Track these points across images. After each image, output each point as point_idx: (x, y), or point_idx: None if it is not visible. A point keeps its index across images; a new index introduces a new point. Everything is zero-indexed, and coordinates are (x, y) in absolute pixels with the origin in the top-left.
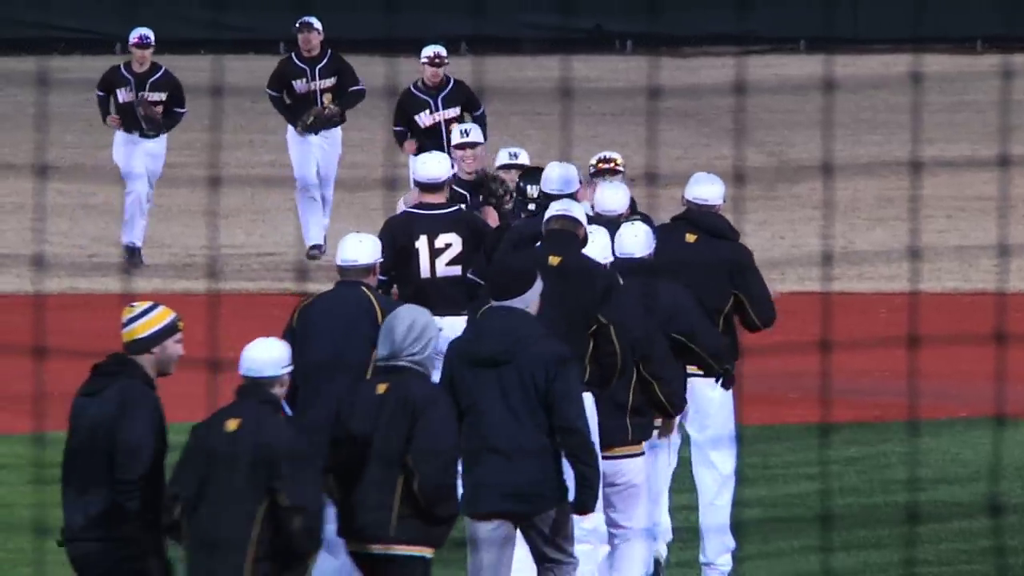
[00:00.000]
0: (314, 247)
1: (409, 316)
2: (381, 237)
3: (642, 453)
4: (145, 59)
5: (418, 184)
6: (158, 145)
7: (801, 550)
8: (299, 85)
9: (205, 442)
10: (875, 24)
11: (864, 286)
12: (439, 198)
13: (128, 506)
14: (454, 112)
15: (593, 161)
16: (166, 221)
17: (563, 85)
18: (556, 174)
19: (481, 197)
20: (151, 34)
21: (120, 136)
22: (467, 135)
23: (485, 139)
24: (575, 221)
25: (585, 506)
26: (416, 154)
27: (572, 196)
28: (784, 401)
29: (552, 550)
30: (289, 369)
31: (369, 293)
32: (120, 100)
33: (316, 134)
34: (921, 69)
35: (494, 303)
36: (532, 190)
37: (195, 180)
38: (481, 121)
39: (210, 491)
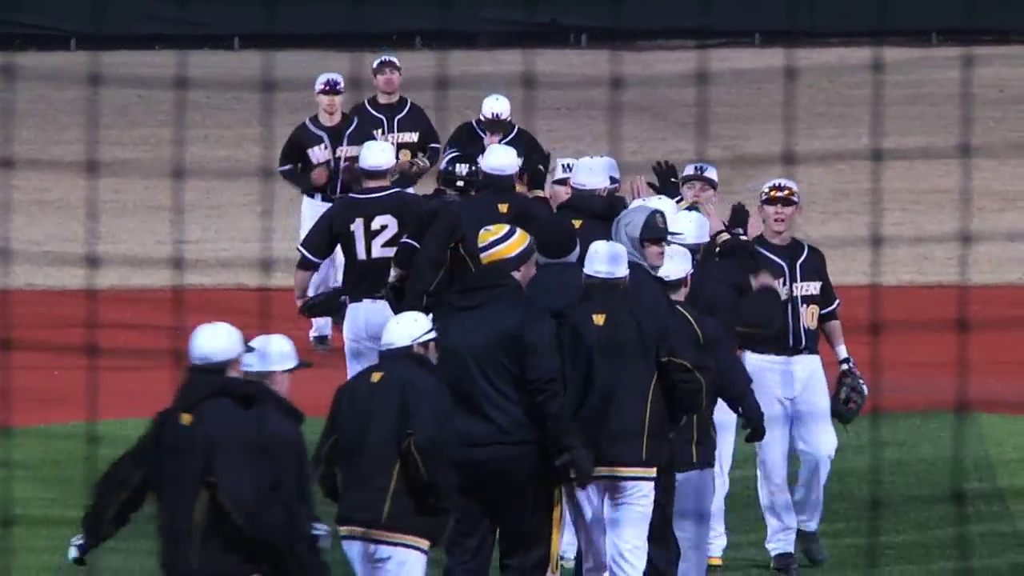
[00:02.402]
0: (320, 337)
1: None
2: (319, 220)
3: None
4: (335, 108)
5: (361, 171)
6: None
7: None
8: (378, 135)
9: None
10: (831, 17)
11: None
12: (381, 183)
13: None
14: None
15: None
16: (123, 216)
17: (525, 79)
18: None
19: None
20: (340, 79)
21: (308, 202)
22: (568, 170)
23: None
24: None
25: None
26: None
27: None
28: None
29: None
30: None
31: None
32: (314, 161)
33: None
34: (880, 61)
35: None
36: (461, 169)
37: (152, 176)
38: (435, 156)
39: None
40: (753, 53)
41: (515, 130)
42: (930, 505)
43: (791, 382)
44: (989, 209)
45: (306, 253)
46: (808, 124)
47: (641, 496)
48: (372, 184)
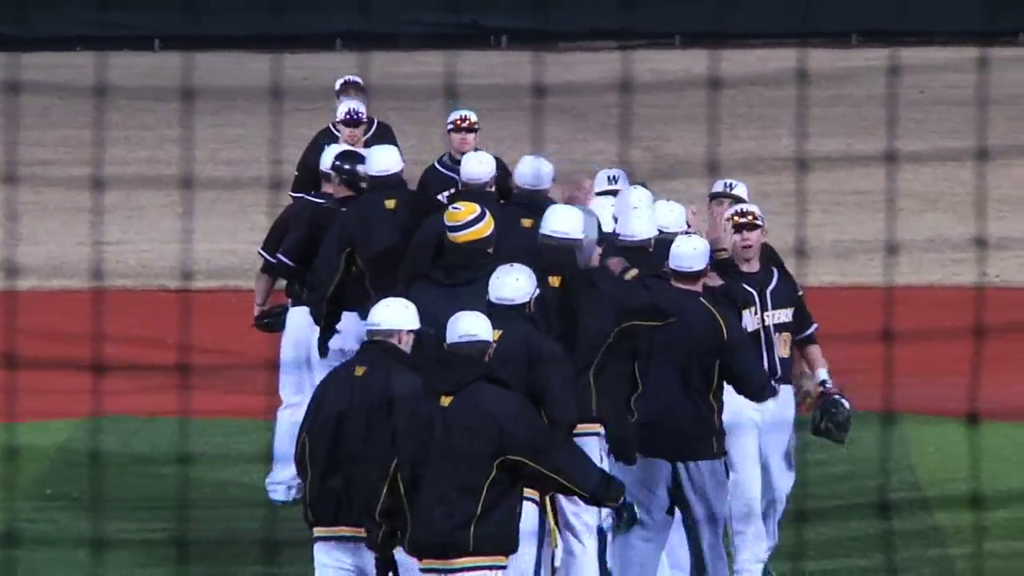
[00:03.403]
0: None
1: None
2: (275, 222)
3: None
4: (357, 139)
5: (320, 173)
6: None
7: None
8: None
9: None
10: (752, 19)
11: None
12: (337, 189)
13: None
14: None
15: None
16: (42, 219)
17: (447, 81)
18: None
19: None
20: (362, 109)
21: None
22: (615, 182)
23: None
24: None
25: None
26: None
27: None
28: None
29: None
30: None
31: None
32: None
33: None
34: (804, 63)
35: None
36: (364, 169)
37: (72, 178)
38: None
39: None
40: (674, 55)
41: (375, 124)
42: (854, 508)
43: (760, 413)
44: (910, 210)
45: (266, 256)
46: (730, 125)
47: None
48: (330, 189)
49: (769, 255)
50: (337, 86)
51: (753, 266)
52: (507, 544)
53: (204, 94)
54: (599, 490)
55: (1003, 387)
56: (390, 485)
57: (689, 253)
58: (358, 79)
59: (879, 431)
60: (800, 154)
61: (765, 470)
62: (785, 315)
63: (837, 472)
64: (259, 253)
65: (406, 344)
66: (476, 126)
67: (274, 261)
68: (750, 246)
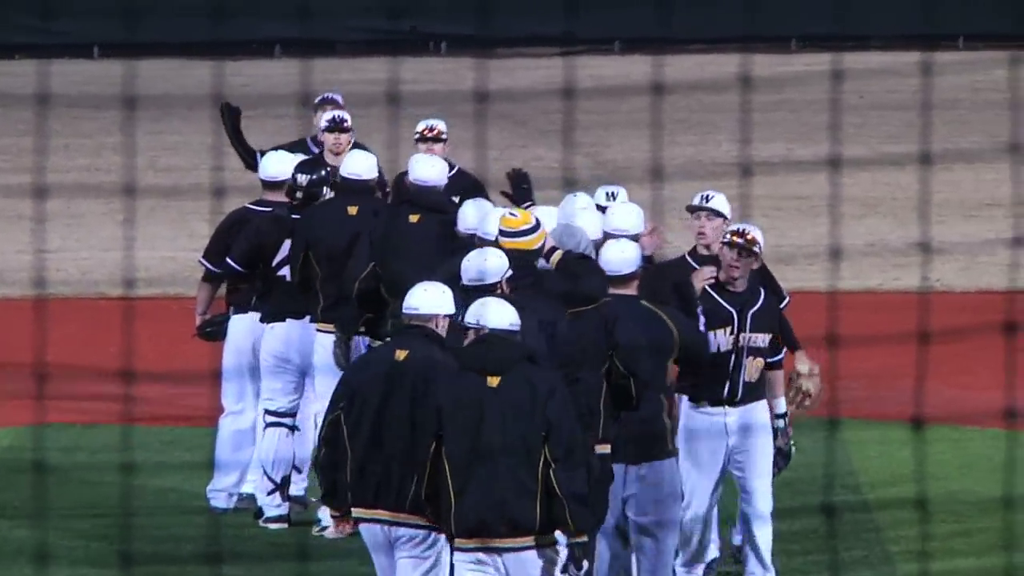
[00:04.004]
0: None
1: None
2: (216, 230)
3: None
4: (341, 147)
5: (261, 181)
6: None
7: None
8: None
9: None
10: (691, 24)
11: None
12: (279, 196)
13: None
14: None
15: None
16: None
17: (390, 88)
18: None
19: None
20: (347, 116)
21: None
22: (613, 198)
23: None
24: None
25: None
26: None
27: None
28: None
29: None
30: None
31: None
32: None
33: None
34: (745, 69)
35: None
36: (302, 179)
37: (11, 186)
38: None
39: None
40: (614, 60)
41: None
42: (797, 511)
43: (723, 434)
44: (850, 215)
45: (207, 265)
46: (669, 131)
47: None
48: (270, 197)
49: (764, 276)
50: (316, 102)
51: (739, 286)
52: (561, 525)
53: (145, 101)
54: (571, 502)
55: (942, 391)
56: (432, 465)
57: (617, 257)
58: (337, 96)
59: (822, 435)
60: (744, 159)
61: (744, 483)
62: (762, 340)
63: (782, 476)
64: (200, 262)
65: (442, 328)
66: (443, 135)
67: (217, 271)
68: (737, 267)
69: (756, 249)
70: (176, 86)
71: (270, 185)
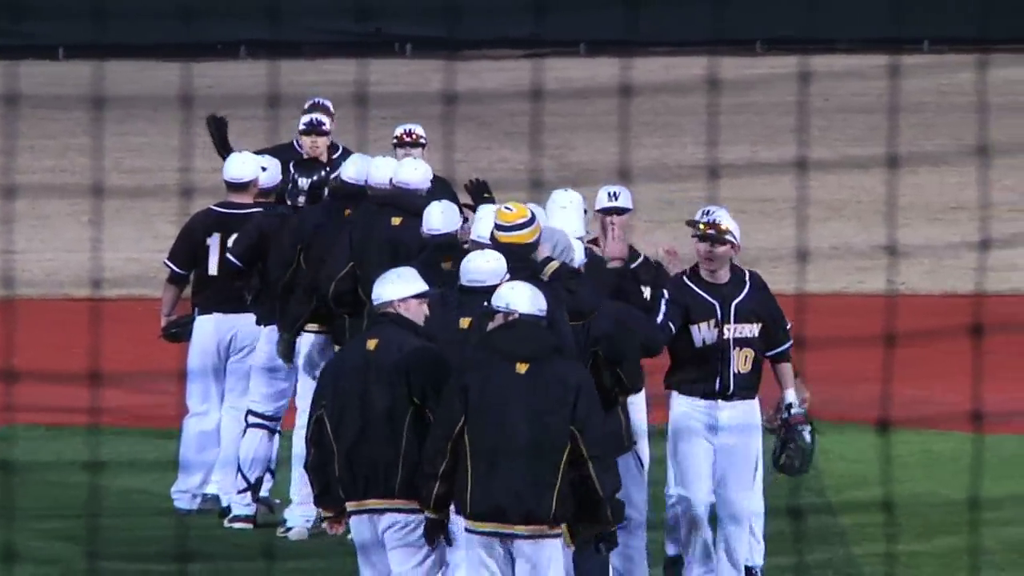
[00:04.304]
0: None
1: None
2: (181, 232)
3: None
4: (319, 150)
5: (225, 183)
6: None
7: None
8: None
9: None
10: (657, 27)
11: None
12: (244, 198)
13: None
14: None
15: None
16: None
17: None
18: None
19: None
20: (325, 120)
21: None
22: (616, 198)
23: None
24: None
25: None
26: None
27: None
28: None
29: None
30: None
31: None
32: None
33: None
34: (711, 71)
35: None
36: (303, 182)
37: None
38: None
39: None
40: (579, 63)
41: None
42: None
43: (714, 429)
44: (815, 218)
45: (172, 267)
46: (635, 133)
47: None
48: (235, 198)
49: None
50: (305, 107)
51: (720, 277)
52: (564, 517)
53: (110, 103)
54: (611, 500)
55: (907, 393)
56: (453, 446)
57: (481, 267)
58: (326, 101)
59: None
60: (711, 161)
61: (723, 486)
62: (749, 330)
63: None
64: (165, 263)
65: (415, 312)
66: (422, 140)
67: (183, 272)
68: (712, 259)
69: (729, 237)
70: (142, 87)
71: (234, 187)
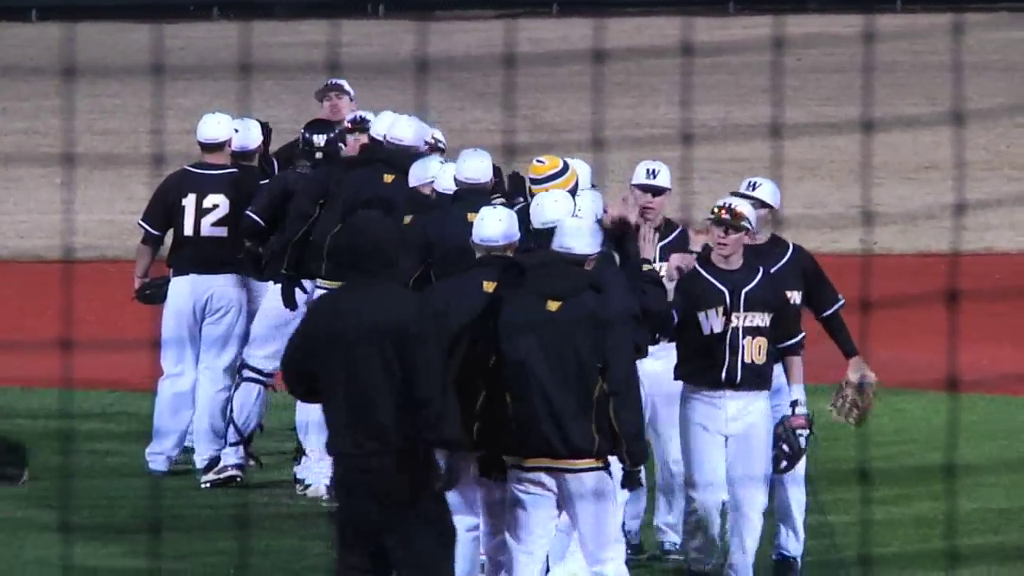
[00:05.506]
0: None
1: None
2: (155, 193)
3: None
4: (340, 111)
5: (199, 143)
6: None
7: None
8: None
9: None
10: None
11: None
12: (218, 159)
13: None
14: None
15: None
16: None
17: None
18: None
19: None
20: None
21: None
22: (654, 176)
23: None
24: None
25: None
26: None
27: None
28: None
29: None
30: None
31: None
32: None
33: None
34: (684, 32)
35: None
36: (319, 139)
37: None
38: None
39: None
40: (552, 23)
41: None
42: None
43: (722, 420)
44: (788, 178)
45: (147, 227)
46: (607, 94)
47: None
48: (210, 159)
49: (816, 280)
50: (321, 87)
51: (732, 263)
52: (608, 450)
53: (82, 65)
54: (639, 437)
55: (880, 353)
56: (490, 386)
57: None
58: (341, 81)
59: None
60: (686, 123)
61: (732, 476)
62: (760, 319)
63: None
64: (139, 224)
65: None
66: (440, 144)
67: (157, 233)
68: (725, 245)
69: (745, 224)
70: (114, 49)
71: (208, 147)
